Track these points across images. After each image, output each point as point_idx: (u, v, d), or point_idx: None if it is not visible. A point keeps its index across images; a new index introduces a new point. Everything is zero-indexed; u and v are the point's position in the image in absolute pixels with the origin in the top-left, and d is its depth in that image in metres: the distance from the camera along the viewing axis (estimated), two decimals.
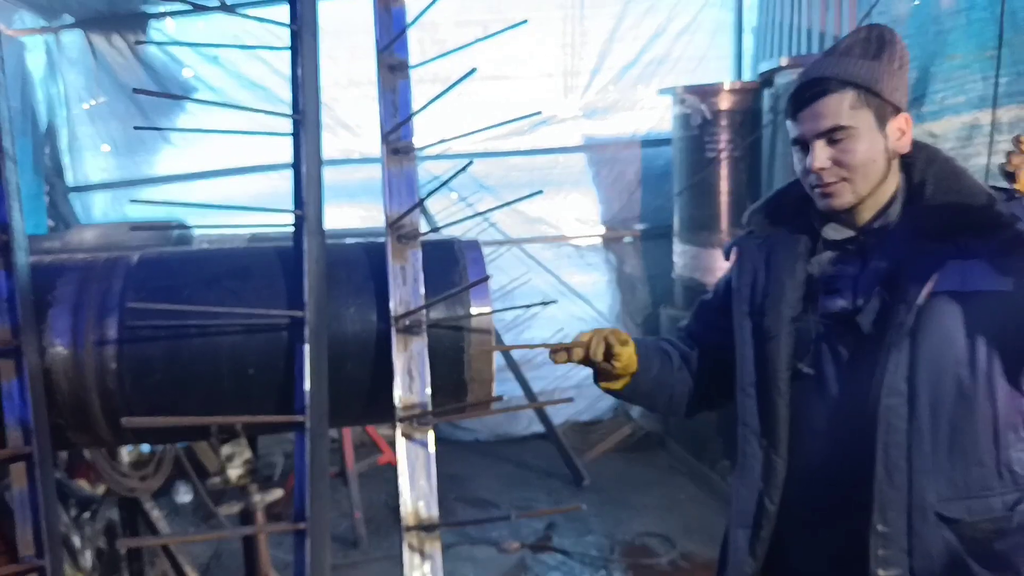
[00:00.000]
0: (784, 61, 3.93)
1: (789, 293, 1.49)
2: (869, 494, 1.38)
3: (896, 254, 1.41)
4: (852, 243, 1.46)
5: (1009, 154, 1.14)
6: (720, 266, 4.59)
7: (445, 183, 1.74)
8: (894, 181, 1.44)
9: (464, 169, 1.65)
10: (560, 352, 1.65)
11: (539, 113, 1.85)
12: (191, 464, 3.05)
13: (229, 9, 2.97)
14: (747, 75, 5.21)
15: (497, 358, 4.64)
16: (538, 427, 4.86)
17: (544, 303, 1.77)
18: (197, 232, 4.11)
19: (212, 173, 4.96)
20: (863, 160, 1.39)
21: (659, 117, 5.22)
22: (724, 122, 4.47)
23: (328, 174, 5.12)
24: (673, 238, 4.88)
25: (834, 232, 1.47)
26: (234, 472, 1.71)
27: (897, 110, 1.40)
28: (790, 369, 1.47)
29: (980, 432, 1.37)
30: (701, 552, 3.50)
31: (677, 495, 4.20)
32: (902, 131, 1.41)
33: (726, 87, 4.48)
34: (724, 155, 4.49)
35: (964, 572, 1.38)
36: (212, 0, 4.67)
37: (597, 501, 4.13)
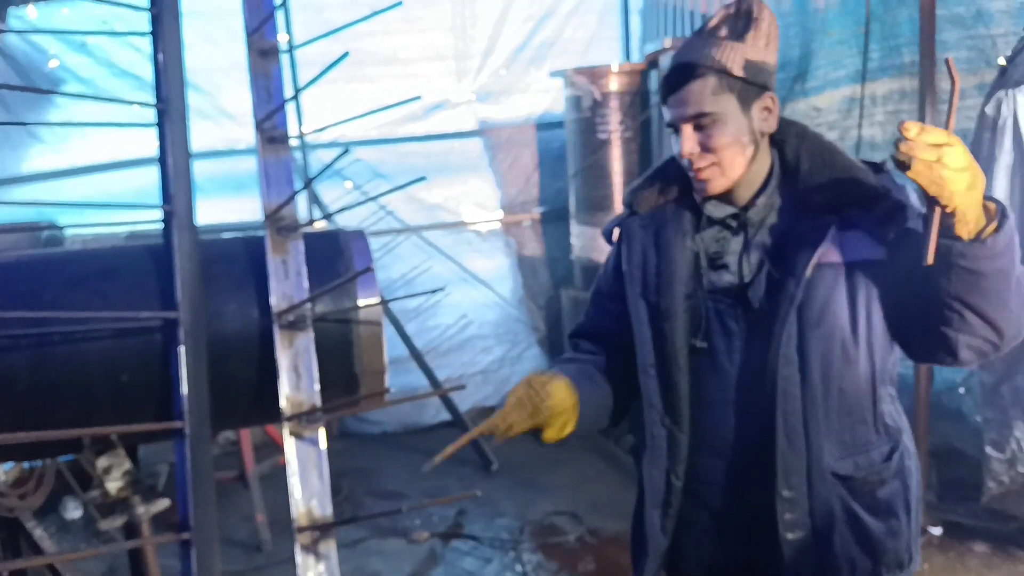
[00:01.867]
0: (668, 42, 4.01)
1: (681, 270, 1.50)
2: (772, 461, 1.42)
3: (780, 229, 1.45)
4: (734, 219, 1.49)
5: (897, 142, 1.19)
6: None
7: (327, 168, 1.68)
8: (766, 159, 1.47)
9: (344, 154, 1.60)
10: (499, 434, 1.55)
11: (419, 98, 1.81)
12: (76, 477, 2.88)
13: None
14: (635, 56, 5.29)
15: (399, 347, 4.60)
16: (446, 415, 4.83)
17: (434, 291, 1.75)
18: (69, 233, 3.88)
19: (86, 169, 4.66)
20: (728, 143, 1.40)
21: (552, 99, 5.24)
22: (614, 103, 4.52)
23: (211, 166, 4.89)
24: (570, 220, 4.93)
25: (716, 210, 1.49)
26: (113, 484, 1.62)
27: (762, 89, 1.42)
28: (687, 345, 1.49)
29: (862, 391, 1.44)
30: (608, 526, 3.57)
31: (585, 472, 4.26)
32: (768, 110, 1.43)
33: (614, 69, 4.53)
34: (615, 136, 4.55)
35: (857, 524, 1.45)
36: None
37: (507, 484, 4.15)
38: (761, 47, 1.41)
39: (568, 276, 5.11)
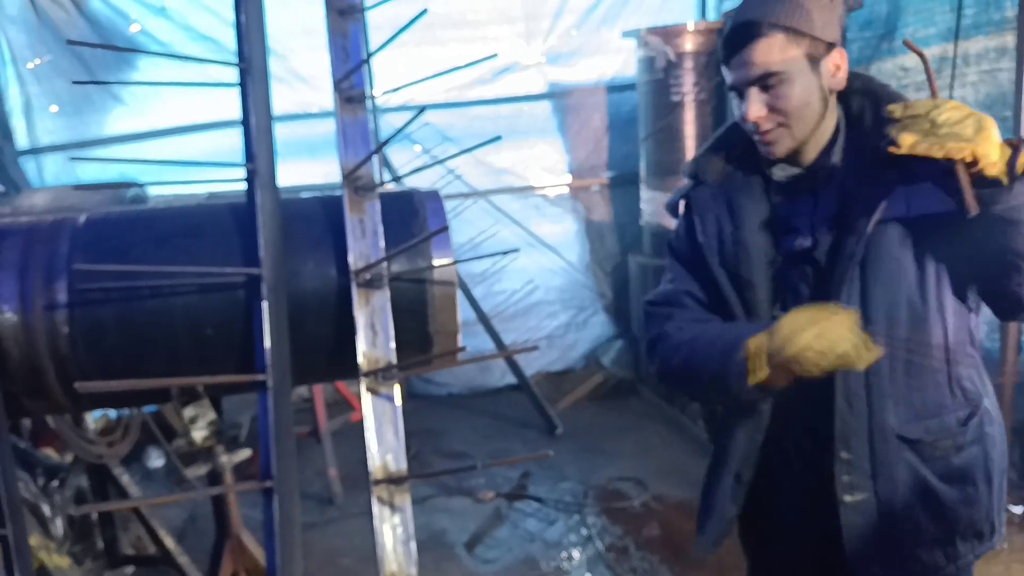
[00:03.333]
0: None
1: (758, 238, 1.47)
2: (831, 424, 1.41)
3: (844, 187, 1.42)
4: (802, 180, 1.45)
5: (886, 132, 1.22)
6: None
7: (400, 131, 1.69)
8: (833, 117, 1.43)
9: (417, 116, 1.60)
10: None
11: (495, 56, 1.79)
12: (160, 428, 3.01)
13: None
14: (712, 14, 5.13)
15: (466, 311, 4.64)
16: (511, 379, 4.87)
17: (506, 252, 1.75)
18: (152, 192, 3.99)
19: (167, 131, 4.80)
20: (798, 104, 1.36)
21: (623, 61, 5.13)
22: (689, 64, 4.40)
23: (286, 129, 4.99)
24: (640, 184, 4.85)
25: (782, 172, 1.46)
26: (199, 434, 1.69)
27: (831, 46, 1.37)
28: (770, 313, 1.46)
29: (933, 353, 1.40)
30: (672, 493, 3.56)
31: (649, 440, 4.25)
32: (837, 67, 1.39)
33: (690, 28, 4.40)
34: (689, 98, 4.44)
35: (926, 490, 1.42)
36: None
37: (571, 448, 4.17)
38: (826, 2, 1.36)
39: (636, 242, 5.05)
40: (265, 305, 1.44)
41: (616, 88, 5.25)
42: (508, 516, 3.44)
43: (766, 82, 1.36)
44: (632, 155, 4.95)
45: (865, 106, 1.43)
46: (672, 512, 3.40)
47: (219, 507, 1.84)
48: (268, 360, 1.44)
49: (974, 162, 1.15)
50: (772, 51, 1.34)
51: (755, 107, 1.37)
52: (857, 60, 4.04)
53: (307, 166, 4.54)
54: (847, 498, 1.43)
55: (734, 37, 1.38)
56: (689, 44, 4.39)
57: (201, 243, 1.59)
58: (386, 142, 1.66)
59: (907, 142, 1.16)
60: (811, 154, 1.43)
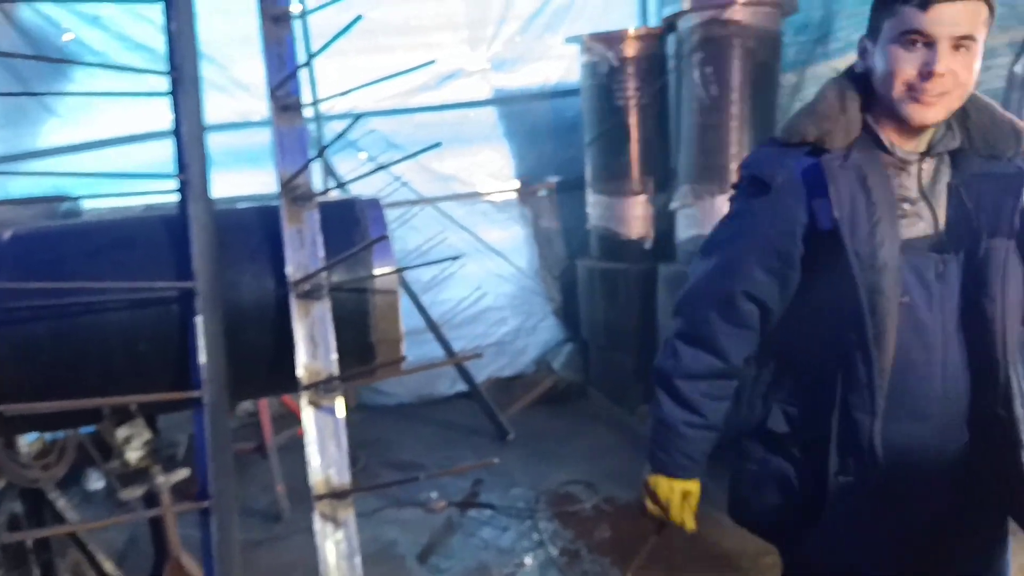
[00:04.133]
0: (687, 4, 3.93)
1: (894, 219, 1.39)
2: (1008, 413, 1.40)
3: (970, 176, 1.41)
4: (915, 164, 1.44)
5: None
6: (634, 215, 4.62)
7: (338, 138, 1.67)
8: None
9: (355, 123, 1.57)
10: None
11: (433, 62, 1.78)
12: (98, 449, 2.91)
13: None
14: (652, 20, 5.20)
15: (415, 318, 4.61)
16: (462, 386, 4.85)
17: (451, 259, 1.74)
18: (87, 206, 3.87)
19: (99, 143, 4.66)
20: (971, 78, 1.35)
21: (567, 67, 5.17)
22: (631, 69, 4.45)
23: (227, 139, 4.88)
24: (586, 189, 4.88)
25: (909, 153, 1.42)
26: (133, 455, 1.64)
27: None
28: (897, 300, 1.38)
29: None
30: (622, 495, 3.58)
31: (599, 442, 4.27)
32: None
33: (631, 33, 4.45)
34: (632, 103, 4.49)
35: None
36: None
37: (522, 454, 4.17)
38: None
39: (584, 246, 5.08)
40: (199, 319, 1.41)
41: (560, 93, 5.28)
42: (460, 525, 3.42)
43: (963, 43, 1.31)
44: (577, 160, 4.98)
45: (967, 106, 1.42)
46: (622, 514, 3.42)
47: (157, 529, 1.78)
48: (203, 376, 1.40)
49: None
50: (979, 17, 1.31)
51: (945, 61, 1.30)
52: (793, 64, 4.13)
53: (249, 175, 4.45)
54: None
55: None
56: (631, 50, 4.44)
57: (134, 256, 1.54)
58: (323, 149, 1.65)
59: None
60: (927, 136, 1.42)
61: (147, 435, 1.61)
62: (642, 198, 4.59)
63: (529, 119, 5.35)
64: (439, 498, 3.60)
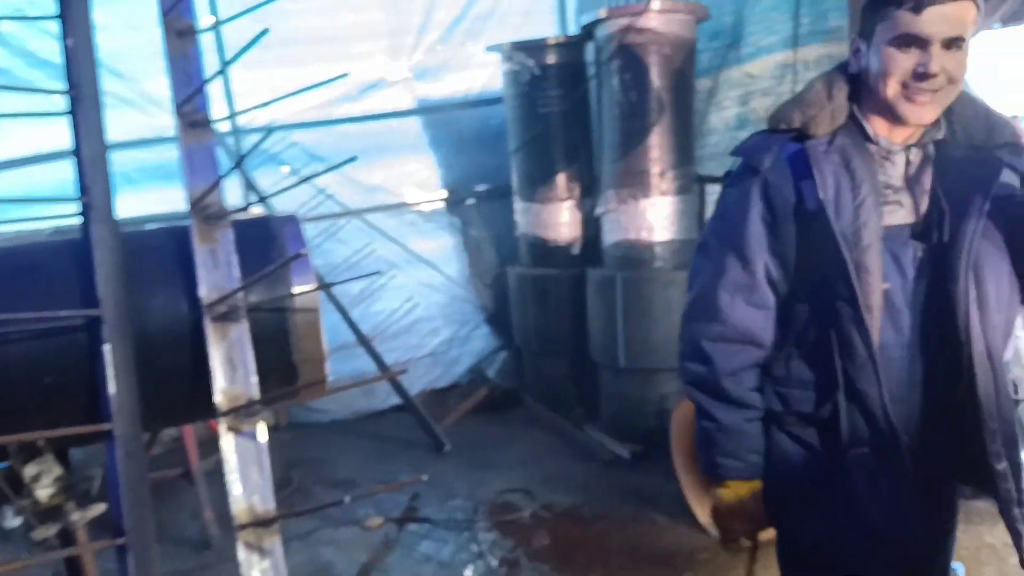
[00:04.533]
0: (603, 13, 3.98)
1: (876, 203, 1.43)
2: (967, 399, 1.43)
3: (946, 165, 1.46)
4: (901, 154, 1.48)
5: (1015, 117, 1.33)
6: (562, 221, 4.65)
7: (252, 149, 1.62)
8: None
9: (266, 137, 1.53)
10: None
11: (346, 75, 1.75)
12: (11, 486, 2.77)
13: None
14: (572, 28, 5.25)
15: (346, 333, 4.53)
16: (396, 399, 4.79)
17: (372, 274, 1.71)
18: None
19: (5, 164, 4.45)
20: (963, 75, 1.39)
21: (490, 75, 5.18)
22: (553, 77, 4.49)
23: (141, 155, 4.70)
24: (513, 196, 4.89)
25: (893, 143, 1.47)
26: (44, 492, 1.56)
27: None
28: (880, 284, 1.43)
29: (1017, 315, 1.49)
30: (560, 500, 3.59)
31: (536, 449, 4.28)
32: None
33: (551, 41, 4.49)
34: (555, 110, 4.52)
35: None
36: None
37: (459, 464, 4.14)
38: None
39: (514, 254, 5.09)
40: (107, 348, 1.35)
41: (484, 102, 5.28)
42: (399, 541, 3.37)
43: (954, 43, 1.36)
44: (503, 168, 4.99)
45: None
46: (560, 520, 3.43)
47: (73, 568, 1.70)
48: (114, 407, 1.34)
49: None
50: (968, 19, 1.35)
51: (938, 61, 1.35)
52: (707, 69, 4.23)
53: (165, 192, 4.31)
54: (998, 466, 1.45)
55: None
56: (551, 57, 4.47)
57: (36, 284, 1.47)
58: (238, 163, 1.59)
59: None
60: (916, 128, 1.46)
61: (57, 471, 1.53)
62: (568, 204, 4.63)
63: (454, 128, 5.33)
64: (375, 515, 3.54)
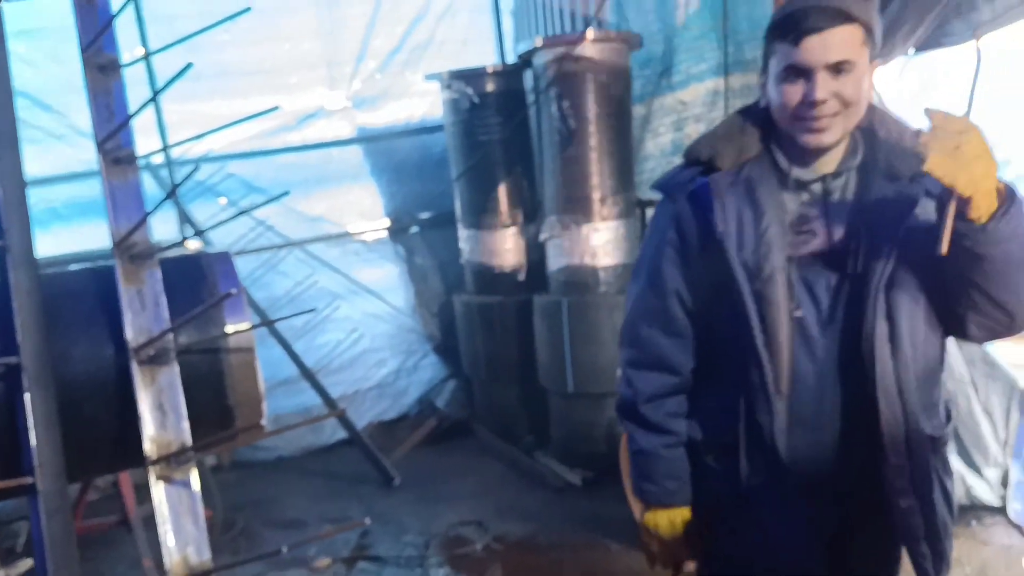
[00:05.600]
0: (539, 41, 4.02)
1: (779, 233, 1.45)
2: (874, 432, 1.42)
3: (864, 195, 1.45)
4: (818, 184, 1.47)
5: (918, 133, 1.25)
6: (506, 248, 4.65)
7: (182, 182, 1.56)
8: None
9: (196, 169, 1.49)
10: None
11: (277, 109, 1.71)
12: None
13: None
14: (510, 56, 5.29)
15: (289, 367, 4.43)
16: (344, 433, 4.69)
17: (308, 311, 1.66)
18: None
19: None
20: (859, 98, 1.39)
21: (431, 103, 5.16)
22: (492, 105, 4.50)
23: (71, 190, 4.56)
24: (457, 224, 4.88)
25: (805, 172, 1.46)
26: None
27: (873, 57, 1.42)
28: (788, 313, 1.44)
29: (939, 354, 1.48)
30: (513, 531, 3.55)
31: (487, 479, 4.23)
32: (872, 77, 1.44)
33: (489, 70, 4.51)
34: (496, 137, 4.53)
35: (942, 484, 1.48)
36: None
37: (410, 498, 4.07)
38: (879, 14, 1.42)
39: (459, 281, 5.06)
40: (28, 397, 1.28)
41: (426, 130, 5.28)
42: None
43: (841, 68, 1.36)
44: (446, 195, 4.98)
45: (873, 120, 1.47)
46: (514, 551, 3.38)
47: None
48: (36, 460, 1.27)
49: (967, 200, 1.21)
50: (854, 41, 1.36)
51: (824, 88, 1.36)
52: (640, 96, 4.29)
53: (96, 227, 4.17)
54: (902, 503, 1.45)
55: (816, 18, 1.35)
56: (490, 85, 4.49)
57: None
58: (166, 198, 1.54)
59: (934, 162, 1.19)
60: (835, 157, 1.46)
61: None
62: (512, 230, 4.63)
63: (396, 156, 5.30)
64: (323, 555, 3.44)
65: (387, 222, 5.30)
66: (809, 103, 1.39)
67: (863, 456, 1.48)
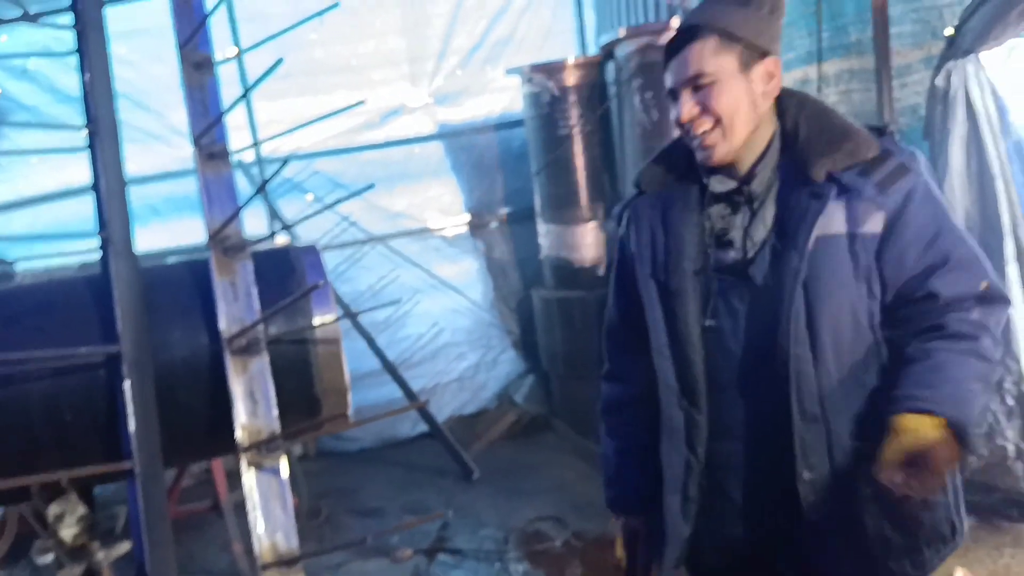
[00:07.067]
0: (623, 32, 3.96)
1: (688, 248, 1.46)
2: (790, 444, 1.38)
3: (781, 201, 1.41)
4: (738, 194, 1.44)
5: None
6: (586, 242, 4.62)
7: (270, 179, 1.60)
8: (769, 128, 1.43)
9: (284, 166, 1.53)
10: None
11: (363, 103, 1.74)
12: (40, 522, 2.77)
13: (31, 18, 2.67)
14: (592, 49, 5.24)
15: (372, 361, 4.51)
16: (424, 426, 4.75)
17: (394, 302, 1.68)
18: (20, 267, 3.73)
19: (32, 200, 4.51)
20: (728, 105, 1.36)
21: (510, 98, 5.17)
22: (573, 98, 4.47)
23: (169, 187, 4.74)
24: (536, 219, 4.86)
25: (719, 184, 1.45)
26: (68, 532, 1.54)
27: (764, 54, 1.38)
28: (699, 324, 1.45)
29: (875, 363, 1.40)
30: (592, 528, 3.51)
31: (566, 475, 4.20)
32: (770, 74, 1.39)
33: (570, 62, 4.48)
34: (576, 131, 4.50)
35: (886, 500, 1.36)
36: (12, 10, 4.26)
37: (489, 492, 4.08)
38: (765, 13, 1.38)
39: (538, 276, 5.05)
40: (127, 384, 1.33)
41: (505, 125, 5.28)
42: (429, 573, 3.31)
43: (697, 82, 1.36)
44: (526, 190, 4.97)
45: (800, 120, 1.43)
46: (593, 548, 3.34)
47: None
48: (134, 444, 1.32)
49: None
50: (704, 52, 1.35)
51: (687, 107, 1.38)
52: None
53: (192, 224, 4.34)
54: (814, 518, 1.40)
55: (674, 41, 1.40)
56: (572, 78, 4.46)
57: (54, 321, 1.46)
58: (259, 191, 1.58)
59: (885, 473, 1.26)
60: (747, 164, 1.43)
61: (81, 510, 1.51)
62: (592, 225, 4.58)
63: (476, 152, 5.33)
64: (405, 545, 3.48)
65: (467, 217, 5.33)
66: (679, 124, 1.41)
67: (781, 468, 1.41)
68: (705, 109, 1.37)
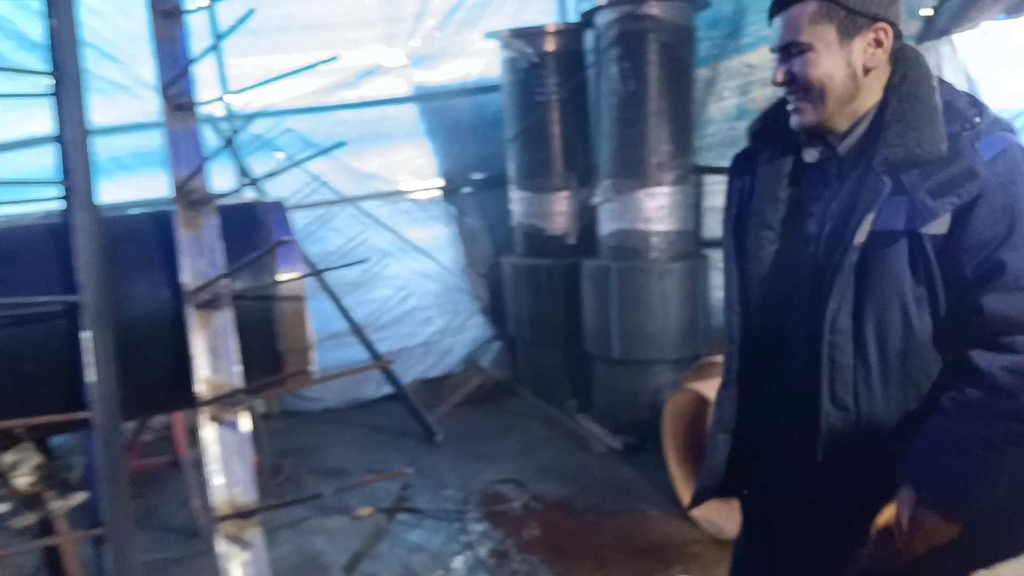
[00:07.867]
0: (603, 0, 3.94)
1: (769, 213, 1.46)
2: (817, 425, 1.39)
3: (857, 182, 1.37)
4: (826, 164, 1.42)
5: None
6: (558, 210, 4.63)
7: (236, 133, 1.58)
8: (873, 96, 1.37)
9: (249, 123, 1.50)
10: None
11: (335, 59, 1.72)
12: None
13: None
14: (571, 15, 5.20)
15: (339, 321, 4.50)
16: (389, 388, 4.76)
17: (359, 262, 1.68)
18: None
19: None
20: (819, 77, 1.33)
21: (488, 62, 5.12)
22: (551, 65, 4.44)
23: (134, 141, 4.63)
24: (509, 185, 4.86)
25: (809, 156, 1.43)
26: (22, 480, 1.53)
27: (872, 20, 1.31)
28: (764, 289, 1.47)
29: (931, 365, 1.34)
30: (552, 491, 3.57)
31: (528, 439, 4.26)
32: (878, 42, 1.33)
33: (550, 29, 4.44)
34: (553, 98, 4.48)
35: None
36: None
37: (451, 455, 4.12)
38: None
39: (509, 243, 5.05)
40: (87, 335, 1.32)
41: (481, 89, 5.24)
42: (389, 531, 3.35)
43: (791, 50, 1.34)
44: (500, 156, 4.95)
45: (893, 97, 1.34)
46: (551, 511, 3.41)
47: (52, 558, 1.67)
48: (93, 395, 1.31)
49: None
50: (802, 19, 1.31)
51: (780, 72, 1.36)
52: (706, 58, 4.19)
53: (159, 178, 4.26)
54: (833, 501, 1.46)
55: None
56: (550, 45, 4.43)
57: (16, 270, 1.44)
58: (223, 147, 1.56)
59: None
60: (840, 134, 1.39)
61: (37, 459, 1.50)
62: (565, 194, 4.59)
63: (451, 116, 5.28)
64: (366, 504, 3.52)
65: (439, 181, 5.30)
66: (776, 84, 1.39)
67: (805, 447, 1.44)
68: (795, 77, 1.34)
